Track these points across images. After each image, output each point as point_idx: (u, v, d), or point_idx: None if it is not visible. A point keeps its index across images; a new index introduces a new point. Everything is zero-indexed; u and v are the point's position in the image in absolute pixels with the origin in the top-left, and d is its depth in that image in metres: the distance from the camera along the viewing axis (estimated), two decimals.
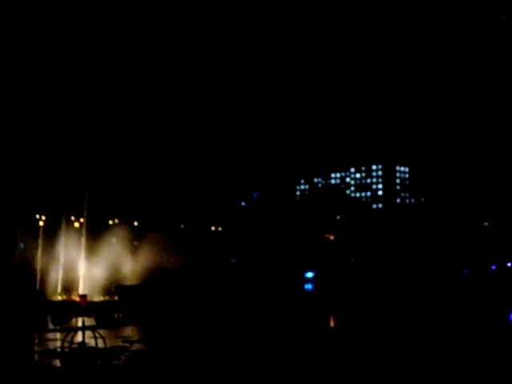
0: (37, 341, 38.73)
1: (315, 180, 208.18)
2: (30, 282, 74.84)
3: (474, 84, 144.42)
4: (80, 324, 46.63)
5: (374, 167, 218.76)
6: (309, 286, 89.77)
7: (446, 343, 36.66)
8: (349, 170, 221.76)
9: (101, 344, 27.14)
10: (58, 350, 28.71)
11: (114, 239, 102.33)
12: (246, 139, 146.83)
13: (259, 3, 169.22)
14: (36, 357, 30.92)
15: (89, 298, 68.29)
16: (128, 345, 33.68)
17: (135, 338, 37.89)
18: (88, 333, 28.04)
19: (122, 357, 28.40)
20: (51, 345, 33.59)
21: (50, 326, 45.11)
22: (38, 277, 75.85)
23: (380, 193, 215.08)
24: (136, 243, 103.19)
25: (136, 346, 33.95)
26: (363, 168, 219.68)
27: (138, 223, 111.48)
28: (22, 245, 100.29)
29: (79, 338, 28.83)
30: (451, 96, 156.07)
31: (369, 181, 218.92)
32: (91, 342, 27.44)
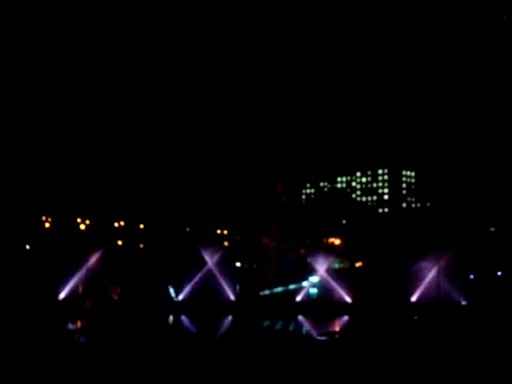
0: (42, 341, 38.78)
1: (321, 184, 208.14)
2: (36, 283, 75.01)
3: (479, 87, 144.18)
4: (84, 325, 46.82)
5: (380, 171, 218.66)
6: (314, 291, 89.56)
7: (449, 349, 36.59)
8: (355, 174, 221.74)
9: None
10: (63, 350, 28.79)
11: (119, 241, 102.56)
12: (251, 143, 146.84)
13: (260, 4, 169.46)
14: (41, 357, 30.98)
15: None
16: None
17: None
18: None
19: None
20: (56, 346, 33.68)
21: (56, 327, 45.20)
22: (44, 278, 76.02)
23: (386, 197, 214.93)
24: (142, 245, 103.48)
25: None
26: (369, 172, 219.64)
27: (144, 226, 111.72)
28: (27, 246, 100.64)
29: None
30: (458, 100, 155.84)
31: (375, 185, 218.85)
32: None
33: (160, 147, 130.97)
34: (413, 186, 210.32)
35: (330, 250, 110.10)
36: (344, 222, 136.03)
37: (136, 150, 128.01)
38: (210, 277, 78.44)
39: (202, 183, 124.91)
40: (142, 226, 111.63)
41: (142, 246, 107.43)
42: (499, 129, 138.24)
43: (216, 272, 76.70)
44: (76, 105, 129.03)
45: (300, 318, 63.47)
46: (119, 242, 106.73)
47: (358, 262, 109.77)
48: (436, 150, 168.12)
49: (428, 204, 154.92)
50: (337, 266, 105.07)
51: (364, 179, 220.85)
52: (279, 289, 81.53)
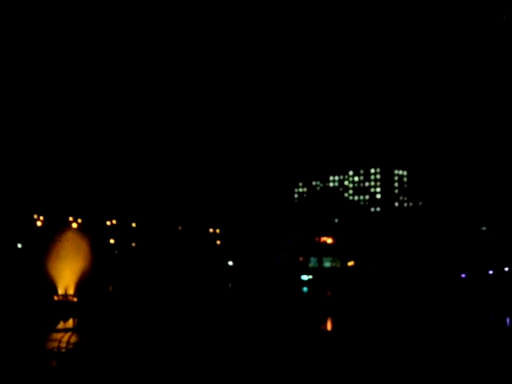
0: (35, 341, 38.68)
1: (314, 183, 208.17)
2: (28, 282, 74.81)
3: (474, 86, 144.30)
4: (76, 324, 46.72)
5: (373, 170, 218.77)
6: (305, 289, 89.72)
7: (444, 347, 36.69)
8: (347, 173, 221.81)
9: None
10: (55, 350, 28.73)
11: (111, 240, 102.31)
12: (244, 142, 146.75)
13: (260, 3, 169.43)
14: (35, 357, 30.92)
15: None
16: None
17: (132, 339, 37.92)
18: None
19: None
20: (49, 345, 33.62)
21: (48, 326, 45.09)
22: (36, 277, 75.82)
23: (378, 196, 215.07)
24: (134, 244, 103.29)
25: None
26: (362, 171, 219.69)
27: (136, 224, 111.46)
28: (19, 245, 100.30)
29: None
30: (450, 99, 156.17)
31: (367, 184, 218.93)
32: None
33: (152, 146, 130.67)
34: (405, 185, 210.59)
35: (322, 249, 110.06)
36: (336, 220, 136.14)
37: (129, 149, 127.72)
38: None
39: (196, 182, 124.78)
40: (134, 225, 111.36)
41: (134, 244, 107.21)
42: (493, 129, 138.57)
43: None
44: (70, 105, 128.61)
45: (291, 313, 63.53)
46: (111, 241, 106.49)
47: (349, 261, 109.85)
48: (428, 148, 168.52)
49: (420, 203, 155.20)
50: (328, 264, 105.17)
51: (356, 178, 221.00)
52: None
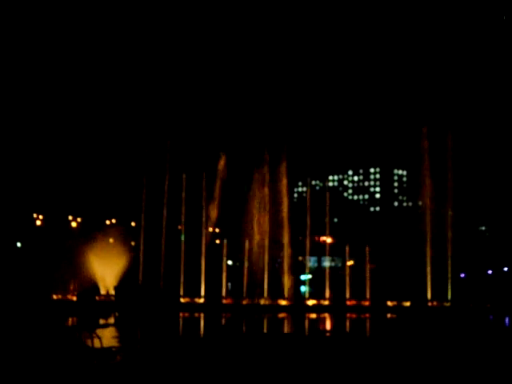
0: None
1: (313, 182, 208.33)
2: (27, 281, 74.92)
3: (473, 85, 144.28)
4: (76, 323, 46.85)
5: (372, 170, 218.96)
6: (304, 289, 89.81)
7: (442, 348, 36.72)
8: (347, 173, 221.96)
9: (97, 344, 27.23)
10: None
11: (111, 239, 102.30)
12: (243, 140, 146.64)
13: (261, 3, 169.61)
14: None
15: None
16: (124, 345, 33.69)
17: (131, 339, 37.94)
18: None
19: (118, 357, 28.40)
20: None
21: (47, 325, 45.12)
22: (36, 276, 75.95)
23: (378, 196, 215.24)
24: (133, 243, 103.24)
25: (131, 346, 33.98)
26: (361, 171, 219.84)
27: (136, 223, 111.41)
28: (19, 244, 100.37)
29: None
30: (449, 99, 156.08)
31: (366, 184, 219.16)
32: (87, 342, 27.51)
33: (150, 145, 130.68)
34: (404, 185, 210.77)
35: (322, 249, 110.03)
36: (335, 220, 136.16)
37: (127, 148, 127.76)
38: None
39: (195, 182, 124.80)
40: (133, 224, 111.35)
41: (133, 243, 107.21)
42: (492, 129, 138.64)
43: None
44: (69, 105, 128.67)
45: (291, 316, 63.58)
46: (110, 240, 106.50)
47: (349, 260, 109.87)
48: (427, 148, 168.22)
49: (420, 203, 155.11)
50: (328, 264, 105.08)
51: (356, 178, 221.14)
52: None
